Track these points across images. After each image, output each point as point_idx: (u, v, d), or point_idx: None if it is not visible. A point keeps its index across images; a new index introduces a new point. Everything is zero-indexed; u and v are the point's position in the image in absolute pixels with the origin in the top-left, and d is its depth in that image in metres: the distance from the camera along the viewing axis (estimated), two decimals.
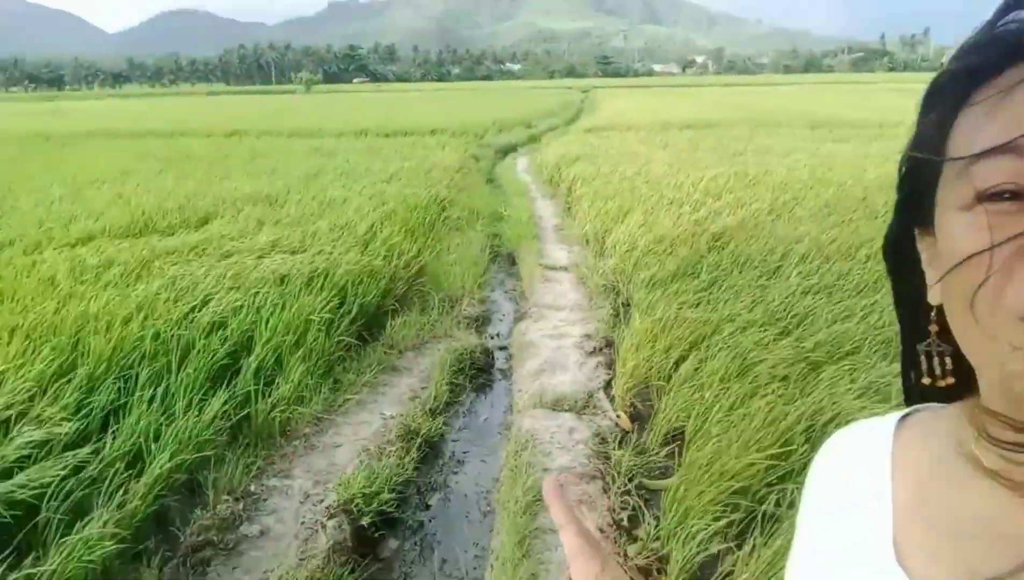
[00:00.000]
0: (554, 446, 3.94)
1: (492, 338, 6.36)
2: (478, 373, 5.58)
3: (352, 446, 4.23)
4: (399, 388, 5.05)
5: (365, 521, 3.60)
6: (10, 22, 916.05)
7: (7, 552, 2.91)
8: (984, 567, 0.44)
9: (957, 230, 0.44)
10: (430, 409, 4.76)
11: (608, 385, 4.82)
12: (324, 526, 3.50)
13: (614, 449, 3.78)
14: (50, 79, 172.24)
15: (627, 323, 5.39)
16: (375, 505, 3.66)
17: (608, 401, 4.61)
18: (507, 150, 19.83)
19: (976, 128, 0.44)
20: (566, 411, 4.45)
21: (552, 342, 5.62)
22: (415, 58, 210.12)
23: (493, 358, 5.88)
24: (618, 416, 4.41)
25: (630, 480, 3.47)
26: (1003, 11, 0.44)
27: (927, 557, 0.48)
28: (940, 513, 0.49)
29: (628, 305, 5.84)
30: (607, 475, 3.59)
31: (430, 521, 3.92)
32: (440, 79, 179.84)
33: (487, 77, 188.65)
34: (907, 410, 0.58)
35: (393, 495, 3.78)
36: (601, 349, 5.40)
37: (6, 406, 3.59)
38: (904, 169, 0.51)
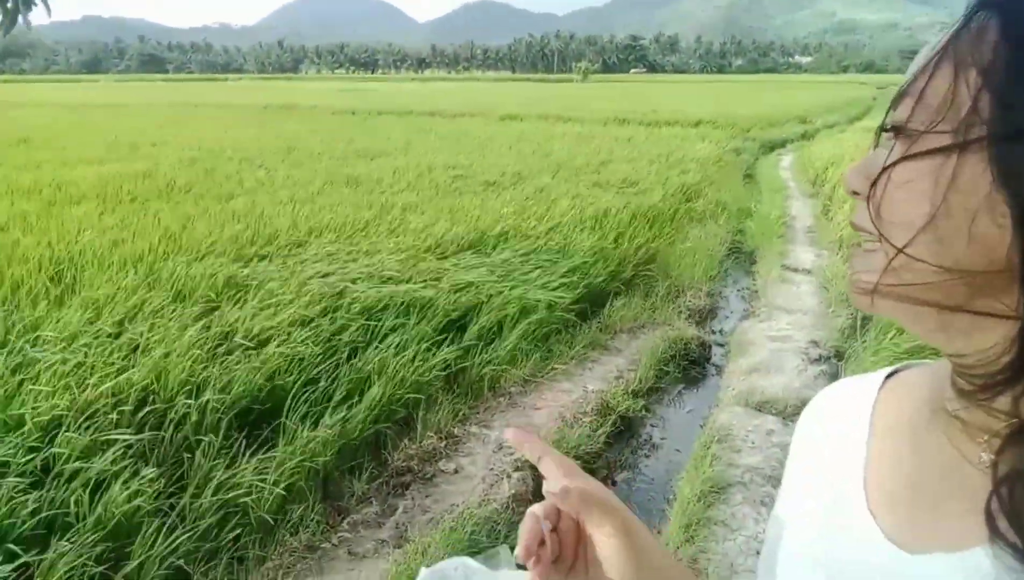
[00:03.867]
0: (747, 445, 3.78)
1: (713, 333, 6.18)
2: (691, 365, 5.48)
3: (550, 410, 4.44)
4: (606, 366, 5.15)
5: None
6: (339, 12, 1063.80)
7: (257, 441, 3.58)
8: (943, 514, 0.46)
9: None
10: (632, 390, 4.80)
11: None
12: (509, 476, 3.75)
13: None
14: (366, 63, 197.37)
15: (863, 336, 4.94)
16: None
17: None
18: (774, 145, 18.74)
19: None
20: (771, 414, 4.22)
21: (773, 344, 5.32)
22: (696, 49, 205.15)
23: (710, 352, 5.73)
24: None
25: None
26: None
27: (894, 504, 0.50)
28: (906, 462, 0.51)
29: (869, 318, 5.32)
30: None
31: None
32: (720, 71, 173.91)
33: (771, 70, 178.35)
34: (896, 366, 0.60)
35: (579, 462, 3.91)
36: (827, 358, 5.01)
37: (261, 331, 4.34)
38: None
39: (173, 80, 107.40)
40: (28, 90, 55.86)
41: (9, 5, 2.33)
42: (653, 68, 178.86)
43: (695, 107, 26.74)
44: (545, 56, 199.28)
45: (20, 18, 2.59)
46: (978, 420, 0.44)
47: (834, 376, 4.76)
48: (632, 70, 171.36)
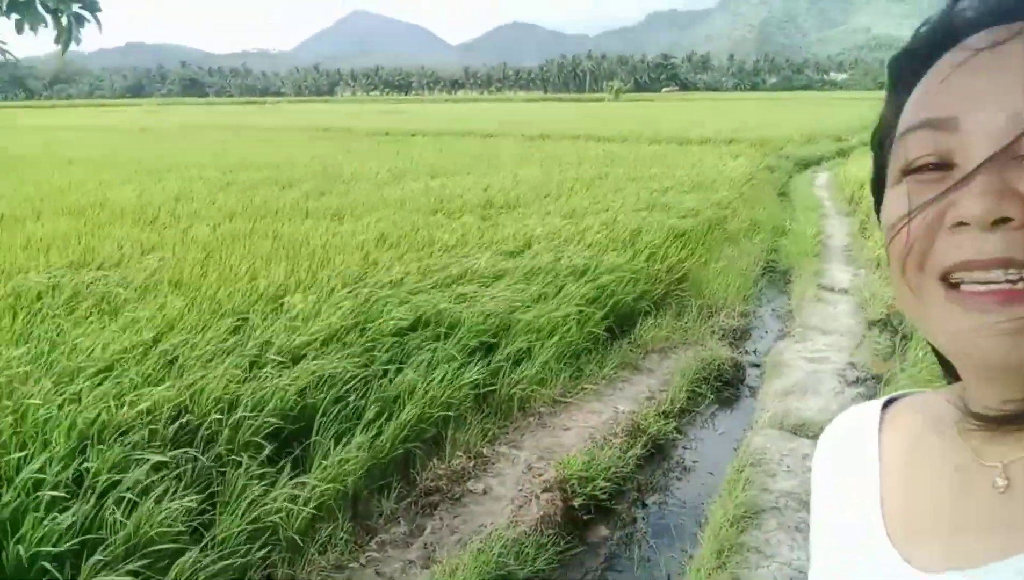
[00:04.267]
0: (781, 469, 3.70)
1: (747, 353, 6.08)
2: (724, 386, 5.39)
3: (580, 431, 4.40)
4: (637, 386, 5.10)
5: (577, 502, 3.74)
6: (373, 36, 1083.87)
7: (284, 460, 3.60)
8: (957, 535, 0.47)
9: (887, 204, 0.48)
10: (663, 411, 4.74)
11: None
12: (538, 497, 3.71)
13: None
14: (400, 85, 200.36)
15: (902, 358, 4.82)
16: (589, 489, 3.78)
17: None
18: (808, 163, 18.52)
19: (911, 105, 0.47)
20: (806, 438, 4.13)
21: (809, 365, 5.22)
22: (729, 67, 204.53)
23: (744, 373, 5.63)
24: None
25: None
26: None
27: (910, 530, 0.51)
28: (919, 488, 0.52)
29: (908, 338, 5.19)
30: None
31: (643, 519, 3.93)
32: (753, 88, 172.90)
33: (806, 87, 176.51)
34: (893, 394, 0.61)
35: (609, 484, 3.87)
36: (864, 380, 4.89)
37: (300, 346, 4.38)
38: (874, 148, 0.55)
39: (213, 104, 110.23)
40: (74, 114, 57.77)
41: (64, 22, 2.41)
42: (685, 86, 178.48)
43: (728, 125, 26.59)
44: (577, 76, 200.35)
45: (74, 41, 2.68)
46: (990, 449, 0.46)
47: (871, 398, 4.64)
48: (664, 89, 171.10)
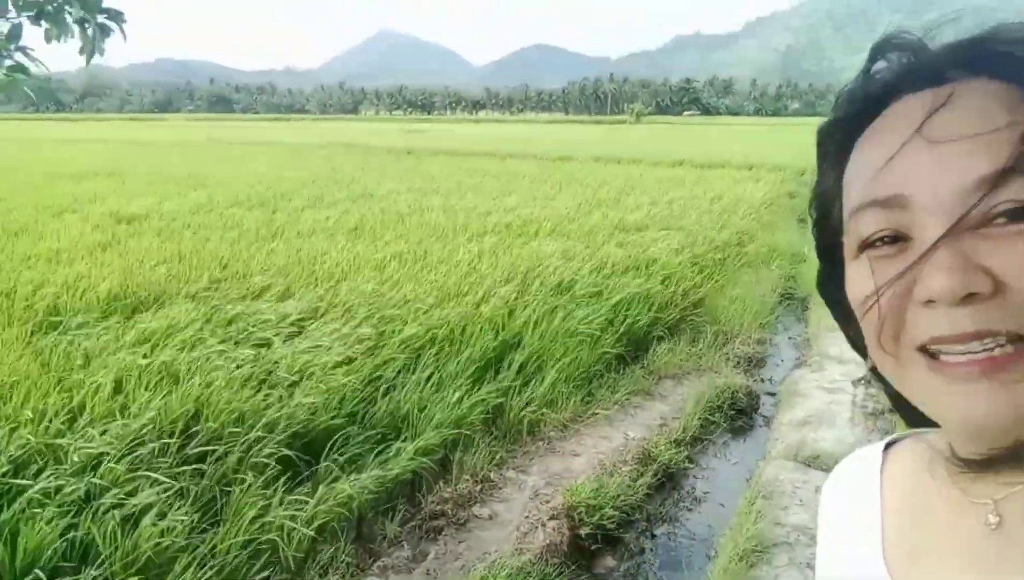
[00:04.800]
0: (795, 502, 3.61)
1: (762, 381, 5.98)
2: (738, 414, 5.30)
3: (589, 458, 4.34)
4: (649, 413, 5.03)
5: (584, 531, 3.68)
6: (398, 56, 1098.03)
7: (295, 483, 3.57)
8: (953, 571, 0.48)
9: (850, 278, 0.49)
10: (675, 439, 4.66)
11: None
12: (544, 524, 3.65)
13: None
14: (423, 104, 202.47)
15: None
16: (596, 518, 3.71)
17: None
18: None
19: (854, 181, 0.48)
20: (821, 470, 4.03)
21: (826, 395, 5.12)
22: (752, 92, 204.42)
23: (758, 402, 5.54)
24: None
25: None
26: (872, 60, 0.50)
27: (909, 566, 0.52)
28: (917, 527, 0.53)
29: None
30: None
31: (651, 551, 3.85)
32: (775, 114, 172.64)
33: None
34: (894, 436, 0.62)
35: (617, 513, 3.80)
36: (883, 412, 4.78)
37: (304, 367, 4.37)
38: (814, 217, 0.57)
39: (240, 120, 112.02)
40: (104, 128, 58.95)
41: (89, 32, 2.44)
42: (707, 111, 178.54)
43: (749, 149, 26.50)
44: (599, 98, 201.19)
45: (97, 52, 2.71)
46: (980, 488, 0.48)
47: (889, 432, 4.54)
48: (685, 113, 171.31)
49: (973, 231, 0.42)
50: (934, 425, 0.53)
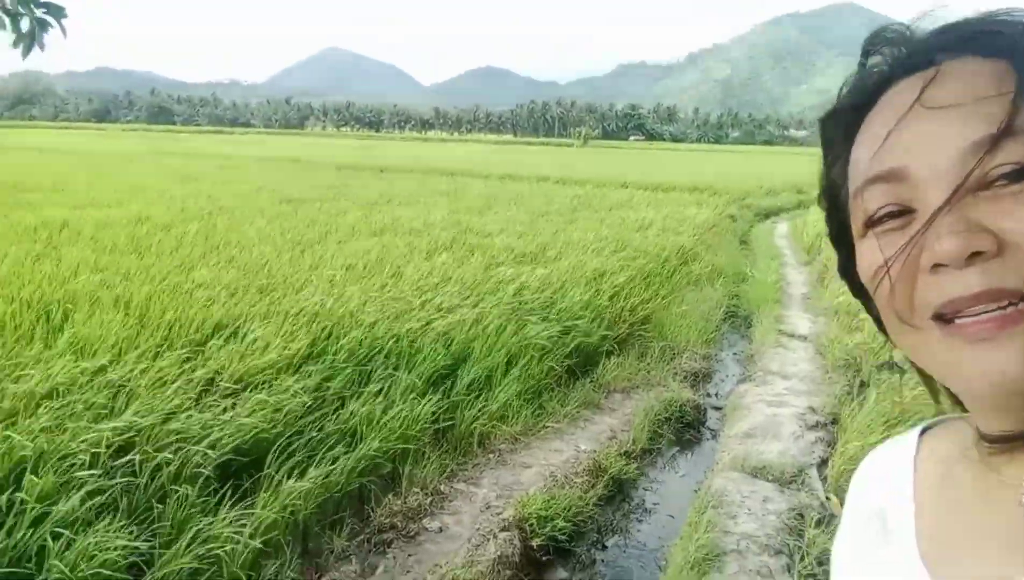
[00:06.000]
0: (743, 511, 3.66)
1: (709, 396, 6.09)
2: (685, 427, 5.38)
3: (540, 469, 4.32)
4: (599, 426, 5.05)
5: (536, 542, 3.65)
6: (346, 73, 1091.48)
7: (237, 493, 3.44)
8: (986, 554, 0.47)
9: (860, 256, 0.50)
10: (625, 451, 4.69)
11: (823, 464, 4.37)
12: (496, 536, 3.61)
13: (810, 527, 3.42)
14: (371, 122, 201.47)
15: (860, 402, 4.86)
16: (548, 529, 3.69)
17: (820, 480, 4.18)
18: (769, 213, 18.99)
19: (858, 163, 0.50)
20: (767, 480, 4.11)
21: (769, 409, 5.23)
22: (694, 120, 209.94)
23: (705, 415, 5.63)
24: (828, 498, 3.97)
25: (820, 564, 3.11)
26: (865, 54, 0.52)
27: (942, 551, 0.51)
28: (951, 510, 0.53)
29: (866, 384, 5.25)
30: (795, 553, 3.25)
31: (602, 562, 3.85)
32: (717, 141, 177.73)
33: (768, 142, 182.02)
34: (929, 421, 0.61)
35: (568, 524, 3.78)
36: (824, 425, 4.92)
37: (242, 376, 4.24)
38: (825, 206, 0.58)
39: (180, 132, 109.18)
40: (36, 136, 56.65)
41: (24, 26, 2.33)
42: (651, 136, 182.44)
43: (692, 174, 27.18)
44: (547, 121, 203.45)
45: (37, 43, 2.59)
46: (1011, 468, 0.47)
47: (831, 443, 4.66)
48: (631, 137, 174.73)
49: (974, 195, 0.43)
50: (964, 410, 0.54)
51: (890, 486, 0.59)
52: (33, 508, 2.82)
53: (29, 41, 2.50)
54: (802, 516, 3.60)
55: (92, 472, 3.12)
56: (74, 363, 4.10)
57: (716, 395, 6.14)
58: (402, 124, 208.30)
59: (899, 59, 0.49)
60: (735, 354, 7.26)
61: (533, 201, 15.13)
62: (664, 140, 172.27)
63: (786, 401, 5.39)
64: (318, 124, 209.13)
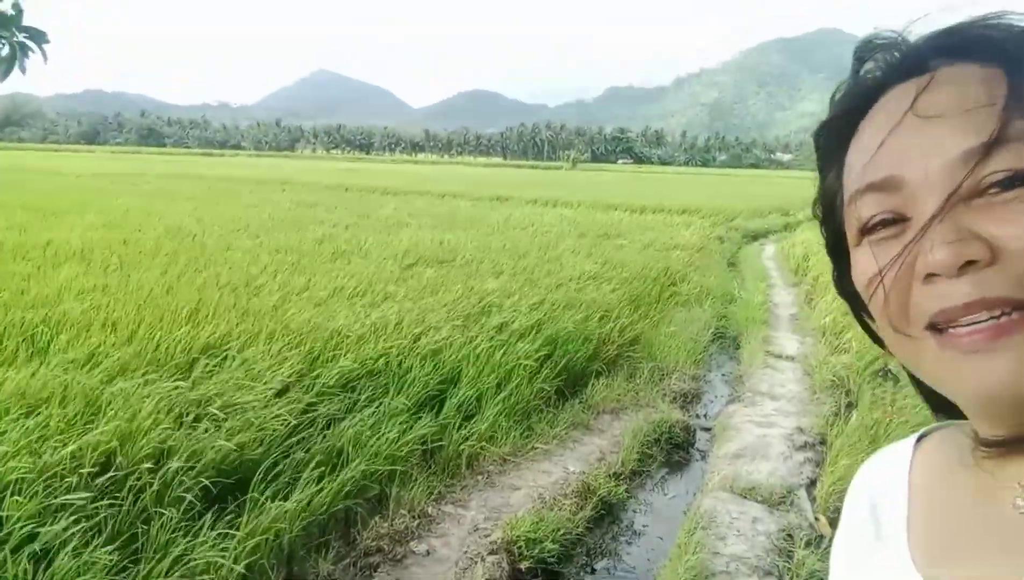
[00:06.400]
0: (732, 532, 3.65)
1: (698, 417, 6.08)
2: (674, 448, 5.36)
3: (529, 491, 4.29)
4: (588, 447, 5.03)
5: (524, 565, 3.62)
6: (336, 95, 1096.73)
7: (223, 513, 3.40)
8: (981, 558, 0.47)
9: (855, 266, 0.50)
10: (614, 473, 4.67)
11: (812, 484, 4.37)
12: (484, 559, 3.58)
13: (799, 548, 3.41)
14: (362, 144, 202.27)
15: (847, 422, 4.88)
16: (536, 552, 3.66)
17: (808, 501, 4.17)
18: (756, 235, 19.12)
19: (852, 170, 0.50)
20: (757, 501, 4.10)
21: (758, 429, 5.24)
22: (682, 143, 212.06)
23: (694, 436, 5.62)
24: (816, 519, 3.97)
25: None
26: (859, 61, 0.52)
27: (935, 556, 0.51)
28: (944, 516, 0.53)
29: (854, 405, 5.27)
30: (784, 574, 3.24)
31: None
32: (704, 164, 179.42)
33: (754, 165, 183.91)
34: (926, 429, 0.62)
35: (557, 547, 3.76)
36: (813, 445, 4.93)
37: (234, 399, 4.21)
38: (820, 216, 0.58)
39: (169, 154, 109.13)
40: (24, 157, 56.48)
41: (4, 53, 2.33)
42: (640, 160, 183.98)
43: (680, 197, 27.40)
44: (536, 144, 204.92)
45: (18, 67, 2.59)
46: (1007, 471, 0.47)
47: (819, 463, 4.67)
48: (619, 161, 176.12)
49: (967, 203, 0.43)
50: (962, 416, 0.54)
51: (884, 490, 0.60)
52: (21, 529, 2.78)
53: (7, 66, 2.50)
54: (791, 537, 3.60)
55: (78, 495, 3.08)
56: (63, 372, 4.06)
57: (705, 416, 6.14)
58: (392, 146, 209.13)
59: (893, 65, 0.50)
60: (724, 375, 7.27)
61: (527, 224, 15.19)
62: (652, 163, 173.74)
63: (774, 422, 5.39)
64: (308, 146, 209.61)
